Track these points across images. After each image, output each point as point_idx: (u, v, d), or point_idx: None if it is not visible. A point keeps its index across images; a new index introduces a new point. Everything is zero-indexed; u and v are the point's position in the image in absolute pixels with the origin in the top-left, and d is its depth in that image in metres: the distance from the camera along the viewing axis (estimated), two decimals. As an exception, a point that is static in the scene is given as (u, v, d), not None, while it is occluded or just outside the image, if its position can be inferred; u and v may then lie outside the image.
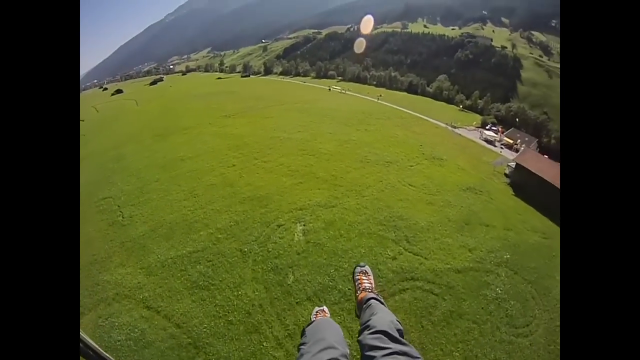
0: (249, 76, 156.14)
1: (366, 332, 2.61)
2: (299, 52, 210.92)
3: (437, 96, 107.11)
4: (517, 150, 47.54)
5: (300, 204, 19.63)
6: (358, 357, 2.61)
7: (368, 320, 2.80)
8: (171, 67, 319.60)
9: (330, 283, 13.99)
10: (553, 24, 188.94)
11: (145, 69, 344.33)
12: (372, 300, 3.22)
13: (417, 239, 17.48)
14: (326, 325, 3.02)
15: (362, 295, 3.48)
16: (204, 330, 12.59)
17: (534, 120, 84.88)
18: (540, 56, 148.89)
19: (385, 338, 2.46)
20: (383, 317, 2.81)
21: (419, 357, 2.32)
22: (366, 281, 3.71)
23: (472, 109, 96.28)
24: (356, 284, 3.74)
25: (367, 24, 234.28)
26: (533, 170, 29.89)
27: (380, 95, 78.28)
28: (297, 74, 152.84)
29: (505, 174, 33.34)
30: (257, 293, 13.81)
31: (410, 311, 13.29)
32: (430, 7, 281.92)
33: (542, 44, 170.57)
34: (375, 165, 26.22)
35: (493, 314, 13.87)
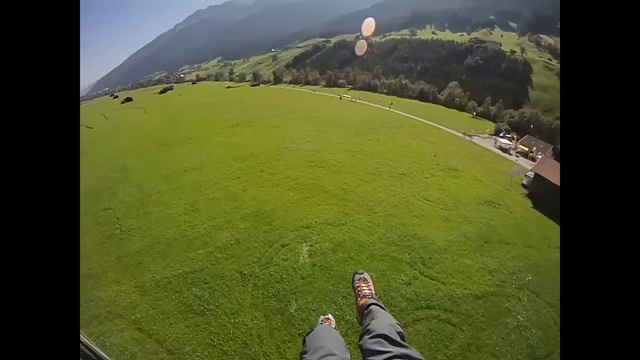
0: (258, 85, 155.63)
1: (366, 336, 2.57)
2: (308, 60, 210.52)
3: (448, 103, 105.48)
4: (533, 159, 46.41)
5: (307, 221, 18.34)
6: (361, 361, 2.32)
7: (368, 325, 2.76)
8: (182, 75, 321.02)
9: (337, 313, 12.71)
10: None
11: (156, 78, 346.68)
12: (373, 306, 3.17)
13: (433, 260, 16.17)
14: (325, 333, 3.00)
15: (362, 301, 3.41)
16: (197, 358, 11.64)
17: (548, 125, 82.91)
18: (550, 59, 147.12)
19: (385, 342, 2.41)
20: (383, 320, 2.79)
21: (420, 359, 2.26)
22: (366, 288, 3.65)
23: (485, 115, 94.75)
24: (356, 291, 3.68)
25: (368, 27, 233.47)
26: (553, 181, 27.98)
27: (392, 104, 77.00)
28: (307, 83, 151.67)
29: (523, 185, 31.77)
30: (255, 321, 12.67)
31: (425, 344, 12.22)
32: (437, 13, 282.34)
33: (550, 47, 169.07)
34: (388, 177, 24.87)
35: (514, 345, 12.76)
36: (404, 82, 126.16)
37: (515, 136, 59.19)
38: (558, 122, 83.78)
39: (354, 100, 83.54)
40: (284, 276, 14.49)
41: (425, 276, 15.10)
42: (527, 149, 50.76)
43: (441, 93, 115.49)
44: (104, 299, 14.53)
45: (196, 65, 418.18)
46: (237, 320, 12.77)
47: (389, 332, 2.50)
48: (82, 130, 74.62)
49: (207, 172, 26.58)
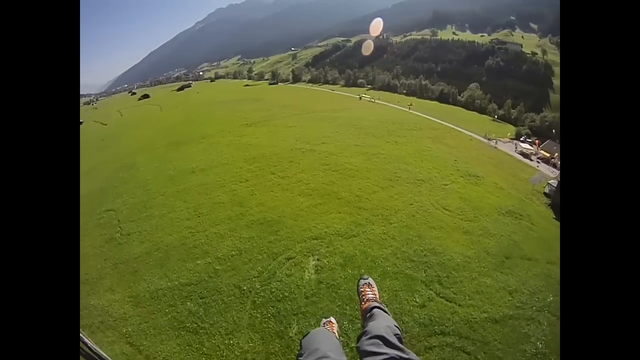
0: (277, 83, 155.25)
1: (363, 337, 2.57)
2: (328, 60, 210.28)
3: (468, 105, 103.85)
4: (554, 165, 44.98)
5: (316, 231, 16.99)
6: (359, 365, 2.39)
7: (366, 327, 2.79)
8: (201, 73, 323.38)
9: (342, 339, 11.15)
10: None
11: (175, 75, 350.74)
12: (375, 309, 3.17)
13: (451, 279, 14.82)
14: (321, 336, 2.97)
15: (365, 305, 3.41)
16: (185, 381, 10.57)
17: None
18: None
19: (381, 343, 2.41)
20: (381, 322, 2.81)
21: None
22: (370, 292, 3.62)
23: (505, 119, 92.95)
24: (360, 295, 3.64)
25: (376, 28, 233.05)
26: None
27: (411, 104, 75.00)
28: (326, 82, 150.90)
29: (545, 194, 30.38)
30: (251, 344, 11.56)
31: (435, 376, 11.00)
32: (458, 14, 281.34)
33: None
34: (406, 184, 23.35)
35: (530, 376, 11.52)
36: (423, 82, 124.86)
37: (536, 141, 57.64)
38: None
39: (372, 100, 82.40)
40: (286, 294, 13.26)
41: (441, 297, 13.80)
42: (548, 155, 49.29)
43: (461, 95, 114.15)
44: (97, 308, 13.81)
45: (215, 63, 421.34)
46: (231, 341, 11.72)
47: (385, 333, 2.48)
48: (97, 127, 75.39)
49: (215, 174, 25.51)
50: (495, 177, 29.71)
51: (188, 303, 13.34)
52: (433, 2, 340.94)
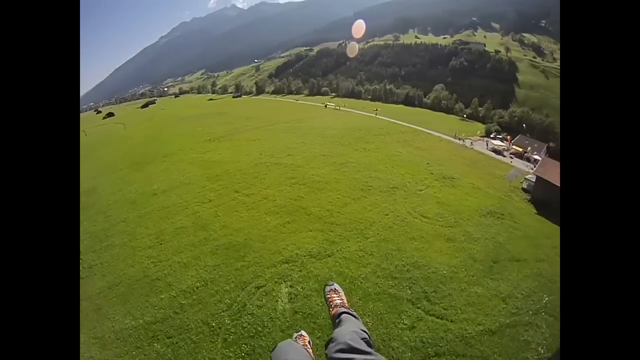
0: (240, 96, 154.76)
1: (330, 345, 2.56)
2: (291, 70, 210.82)
3: (435, 107, 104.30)
4: (528, 159, 45.42)
5: (287, 254, 15.56)
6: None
7: (333, 334, 2.75)
8: (165, 89, 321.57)
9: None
10: (543, 24, 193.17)
11: (140, 92, 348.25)
12: (343, 315, 3.18)
13: (439, 294, 13.62)
14: (289, 347, 2.93)
15: (334, 311, 3.39)
16: None
17: (539, 124, 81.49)
18: (534, 57, 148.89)
19: (348, 350, 2.40)
20: (346, 328, 2.81)
21: None
22: (337, 298, 3.61)
23: (474, 117, 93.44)
24: (327, 302, 3.62)
25: (359, 28, 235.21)
26: (557, 184, 25.43)
27: (377, 110, 74.36)
28: (290, 92, 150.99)
29: (524, 189, 29.79)
30: None
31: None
32: (419, 18, 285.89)
33: (534, 45, 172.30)
34: (379, 192, 22.12)
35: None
36: (388, 87, 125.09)
37: (508, 137, 57.78)
38: (549, 119, 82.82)
39: (337, 108, 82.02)
40: (260, 329, 11.83)
41: (431, 315, 12.62)
42: (521, 150, 49.41)
43: (427, 97, 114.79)
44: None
45: (180, 79, 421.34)
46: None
47: (350, 339, 2.47)
48: None
49: (177, 195, 24.01)
50: (471, 177, 28.85)
51: (155, 344, 12.03)
52: (394, 8, 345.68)
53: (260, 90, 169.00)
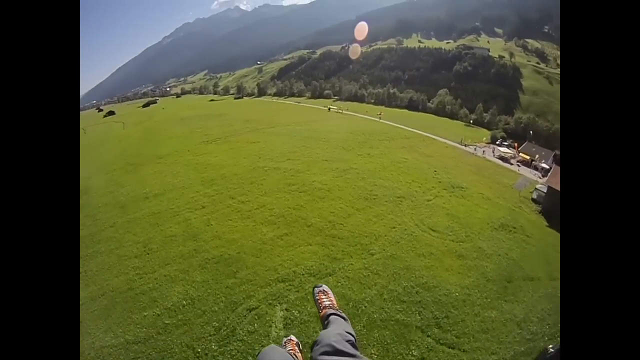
0: (242, 98, 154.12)
1: (315, 347, 2.54)
2: (293, 72, 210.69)
3: (439, 111, 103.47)
4: (536, 167, 44.38)
5: (283, 271, 13.94)
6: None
7: (318, 335, 2.75)
8: (167, 89, 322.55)
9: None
10: (546, 30, 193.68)
11: (143, 91, 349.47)
12: (332, 316, 3.23)
13: (451, 320, 12.24)
14: (272, 352, 2.95)
15: (323, 312, 3.43)
16: None
17: (546, 131, 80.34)
18: (538, 63, 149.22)
19: (331, 352, 2.40)
20: (332, 330, 2.89)
21: None
22: (326, 300, 3.64)
23: (478, 123, 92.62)
24: (317, 303, 3.67)
25: (361, 31, 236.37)
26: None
27: (381, 114, 73.27)
28: (292, 95, 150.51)
29: (533, 199, 28.85)
30: None
31: None
32: (422, 22, 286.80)
33: (537, 50, 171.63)
34: (385, 202, 20.53)
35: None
36: (391, 91, 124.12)
37: (515, 144, 56.92)
38: (555, 126, 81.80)
39: (340, 111, 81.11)
40: (250, 358, 10.32)
41: (442, 344, 11.23)
42: (528, 157, 48.58)
43: (431, 101, 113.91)
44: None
45: (182, 79, 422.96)
46: None
47: (335, 341, 2.47)
48: None
49: (169, 200, 22.39)
50: (479, 187, 27.57)
51: None
52: (397, 11, 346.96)
53: (262, 92, 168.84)
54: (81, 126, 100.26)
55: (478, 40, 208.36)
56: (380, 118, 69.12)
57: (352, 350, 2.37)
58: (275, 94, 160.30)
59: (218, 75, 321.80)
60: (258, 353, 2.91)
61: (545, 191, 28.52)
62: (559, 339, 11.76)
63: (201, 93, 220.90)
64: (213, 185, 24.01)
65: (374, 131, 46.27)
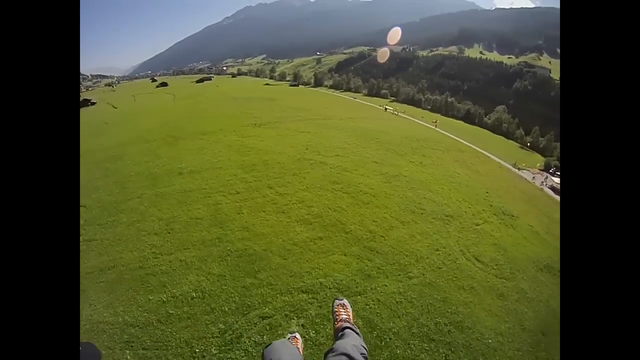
0: (297, 85, 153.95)
1: (330, 354, 2.74)
2: (352, 67, 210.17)
3: (495, 128, 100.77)
4: None
5: (309, 280, 12.36)
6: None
7: (333, 345, 2.94)
8: (224, 68, 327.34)
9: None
10: None
11: (199, 67, 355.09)
12: (347, 329, 3.33)
13: (480, 369, 10.57)
14: (282, 347, 3.06)
15: (338, 325, 3.57)
16: None
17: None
18: None
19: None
20: (348, 341, 2.99)
21: None
22: (344, 313, 3.75)
23: (533, 147, 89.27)
24: (334, 315, 3.80)
25: (394, 36, 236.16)
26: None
27: (437, 121, 71.20)
28: (348, 89, 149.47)
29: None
30: None
31: None
32: (485, 33, 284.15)
33: None
34: (432, 219, 18.62)
35: None
36: (450, 100, 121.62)
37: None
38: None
39: (395, 112, 79.71)
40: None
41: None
42: None
43: (488, 116, 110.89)
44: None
45: (240, 60, 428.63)
46: None
47: (351, 351, 2.65)
48: (106, 109, 73.86)
49: (203, 179, 21.16)
50: (529, 218, 25.30)
51: (127, 351, 9.58)
52: (461, 19, 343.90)
53: (318, 83, 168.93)
54: (132, 94, 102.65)
55: (540, 59, 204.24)
56: (436, 126, 67.07)
57: None
58: (331, 86, 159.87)
59: (276, 61, 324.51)
60: (267, 345, 2.86)
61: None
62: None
63: (257, 76, 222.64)
64: (253, 170, 22.62)
65: (428, 139, 44.12)
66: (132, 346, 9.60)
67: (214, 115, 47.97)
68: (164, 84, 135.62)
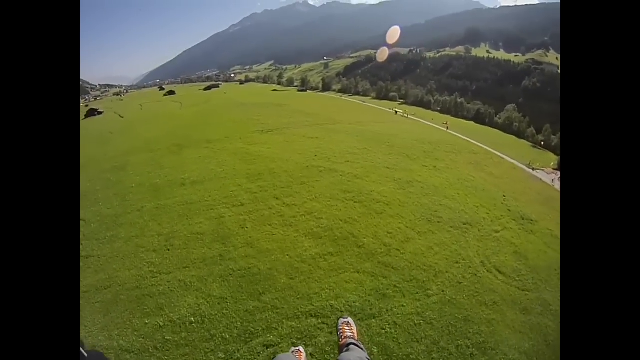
0: (305, 91, 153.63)
1: None
2: (359, 71, 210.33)
3: (506, 128, 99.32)
4: None
5: (319, 302, 11.18)
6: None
7: (340, 357, 3.05)
8: (232, 75, 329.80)
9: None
10: None
11: (207, 75, 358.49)
12: (351, 345, 3.33)
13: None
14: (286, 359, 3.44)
15: (343, 342, 3.62)
16: None
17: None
18: None
19: None
20: (352, 354, 3.07)
21: None
22: (348, 331, 3.79)
23: (545, 145, 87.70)
24: (339, 333, 3.88)
25: (393, 35, 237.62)
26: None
27: (447, 123, 70.56)
28: (357, 93, 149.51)
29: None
30: None
31: None
32: (491, 32, 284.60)
33: None
34: (449, 228, 17.37)
35: None
36: (459, 100, 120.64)
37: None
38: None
39: (405, 115, 78.86)
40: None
41: None
42: None
43: (498, 116, 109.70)
44: None
45: (248, 67, 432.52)
46: None
47: None
48: (113, 118, 74.26)
49: (206, 190, 20.17)
50: (548, 221, 23.77)
51: None
52: (466, 19, 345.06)
53: (326, 87, 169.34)
54: (139, 102, 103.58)
55: (547, 56, 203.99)
56: (447, 128, 65.86)
57: None
58: (339, 91, 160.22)
59: (284, 67, 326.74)
60: (272, 358, 3.42)
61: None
62: None
63: (265, 82, 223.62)
64: (259, 180, 21.56)
65: (440, 141, 43.02)
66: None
67: (221, 122, 47.33)
68: (171, 92, 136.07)
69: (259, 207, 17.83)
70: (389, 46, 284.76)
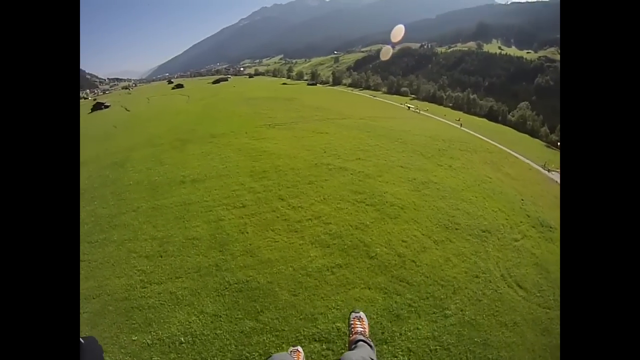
0: (315, 84, 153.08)
1: None
2: (370, 65, 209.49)
3: (519, 126, 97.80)
4: None
5: (323, 325, 9.72)
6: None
7: (343, 356, 2.97)
8: (241, 69, 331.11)
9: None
10: None
11: (216, 69, 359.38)
12: (360, 342, 3.34)
13: None
14: (281, 359, 3.31)
15: (353, 337, 3.55)
16: None
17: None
18: None
19: None
20: (358, 352, 3.02)
21: None
22: (359, 326, 3.72)
23: (556, 144, 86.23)
24: (350, 327, 3.77)
25: (397, 33, 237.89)
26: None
27: (460, 120, 70.43)
28: (367, 87, 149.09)
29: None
30: None
31: None
32: (503, 28, 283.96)
33: None
34: (468, 236, 15.77)
35: None
36: (471, 97, 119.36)
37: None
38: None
39: (417, 111, 78.06)
40: None
41: None
42: None
43: (511, 114, 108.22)
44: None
45: (257, 61, 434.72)
46: None
47: None
48: (119, 112, 73.59)
49: (206, 189, 18.88)
50: (566, 229, 22.41)
51: None
52: (478, 14, 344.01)
53: (337, 81, 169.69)
54: (146, 96, 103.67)
55: (559, 53, 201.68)
56: (460, 125, 65.39)
57: None
58: (350, 85, 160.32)
59: (294, 61, 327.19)
60: (267, 358, 3.18)
61: None
62: None
63: (274, 76, 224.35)
64: (263, 178, 20.19)
65: (454, 139, 41.31)
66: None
67: (227, 116, 46.23)
68: (179, 86, 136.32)
69: (261, 209, 16.47)
70: (396, 43, 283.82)
